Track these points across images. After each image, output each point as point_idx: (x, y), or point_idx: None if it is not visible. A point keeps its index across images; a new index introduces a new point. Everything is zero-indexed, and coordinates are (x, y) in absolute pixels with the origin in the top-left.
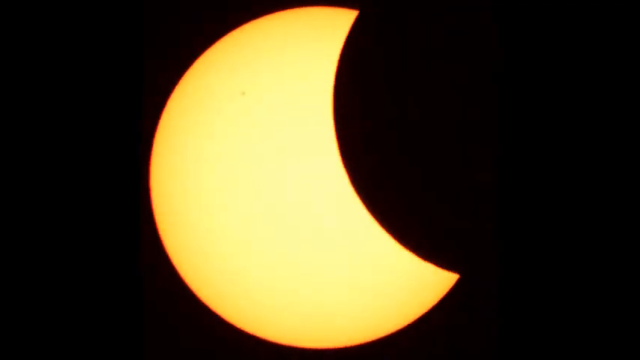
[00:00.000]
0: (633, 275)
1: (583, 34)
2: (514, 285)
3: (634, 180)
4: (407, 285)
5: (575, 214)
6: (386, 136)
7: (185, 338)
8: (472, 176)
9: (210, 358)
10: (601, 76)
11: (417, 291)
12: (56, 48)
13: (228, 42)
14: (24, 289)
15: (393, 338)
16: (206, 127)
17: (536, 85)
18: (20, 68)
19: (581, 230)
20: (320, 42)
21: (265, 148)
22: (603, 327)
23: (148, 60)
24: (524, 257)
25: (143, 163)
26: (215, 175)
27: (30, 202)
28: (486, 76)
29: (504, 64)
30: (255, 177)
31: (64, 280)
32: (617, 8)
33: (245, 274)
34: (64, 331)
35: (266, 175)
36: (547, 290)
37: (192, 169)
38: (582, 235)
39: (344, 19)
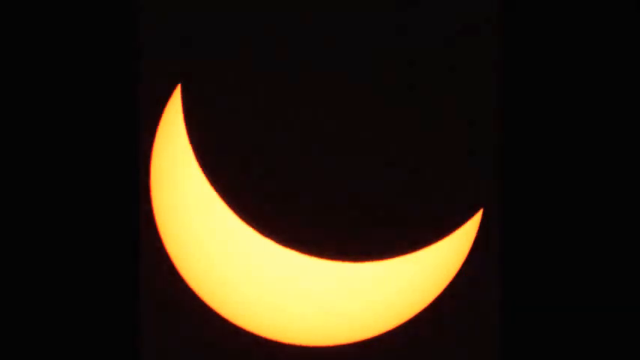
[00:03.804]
0: (634, 276)
1: (583, 33)
2: (514, 285)
3: (634, 179)
4: (404, 281)
5: (575, 213)
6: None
7: (184, 336)
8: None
9: (209, 355)
10: (601, 76)
11: (414, 287)
12: (56, 49)
13: None
14: (22, 288)
15: (390, 336)
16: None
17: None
18: (20, 69)
19: (582, 230)
20: None
21: None
22: (603, 327)
23: (147, 60)
24: (524, 258)
25: (143, 162)
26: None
27: (29, 202)
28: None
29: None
30: None
31: (64, 279)
32: (617, 8)
33: (246, 273)
34: (64, 330)
35: None
36: (547, 292)
37: (193, 167)
38: (582, 235)
39: None
